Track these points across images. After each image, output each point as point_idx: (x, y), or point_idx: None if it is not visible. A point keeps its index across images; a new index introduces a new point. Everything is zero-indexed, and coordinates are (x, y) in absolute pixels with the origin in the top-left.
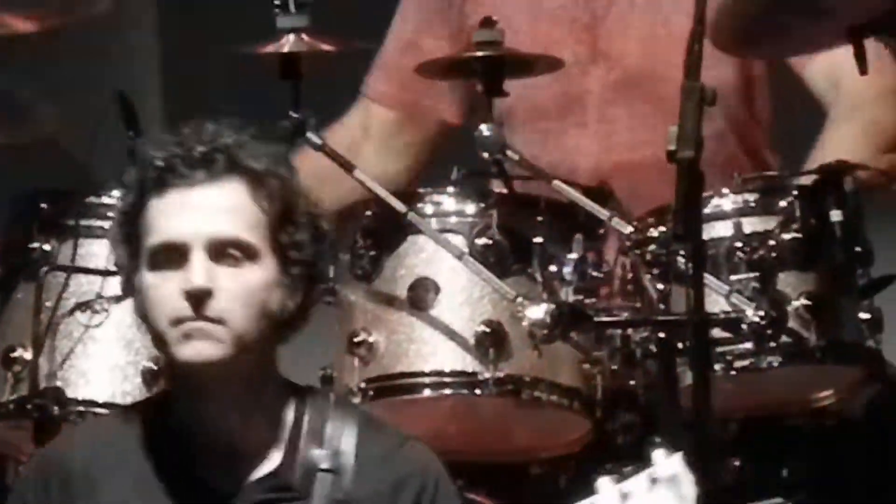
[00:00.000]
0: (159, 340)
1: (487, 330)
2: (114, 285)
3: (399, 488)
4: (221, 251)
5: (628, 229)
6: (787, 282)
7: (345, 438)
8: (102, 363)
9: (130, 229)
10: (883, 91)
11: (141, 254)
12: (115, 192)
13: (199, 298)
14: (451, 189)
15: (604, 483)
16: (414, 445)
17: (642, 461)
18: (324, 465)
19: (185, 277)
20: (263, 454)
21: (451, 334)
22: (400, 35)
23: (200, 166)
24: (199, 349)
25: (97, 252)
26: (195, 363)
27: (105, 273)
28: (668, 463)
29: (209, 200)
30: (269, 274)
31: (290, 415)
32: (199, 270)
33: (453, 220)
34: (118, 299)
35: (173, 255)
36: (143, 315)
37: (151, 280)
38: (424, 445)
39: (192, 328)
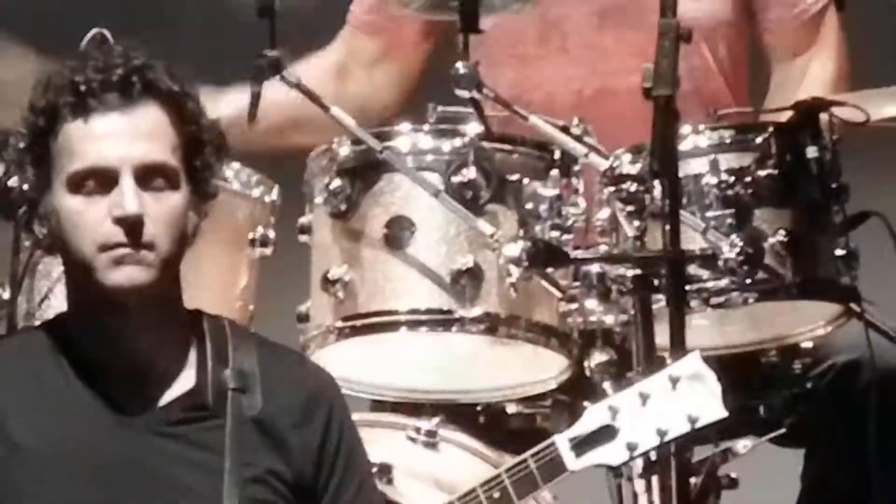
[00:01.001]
0: (81, 264)
1: (463, 268)
2: None
3: (311, 404)
4: (147, 176)
5: (604, 166)
6: (763, 218)
7: (247, 359)
8: None
9: (42, 151)
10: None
11: (55, 177)
12: None
13: (133, 225)
14: (426, 127)
15: (609, 385)
16: (313, 364)
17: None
18: (232, 385)
19: (117, 203)
20: (175, 375)
21: (427, 272)
22: None
23: (118, 90)
24: (129, 274)
25: None
26: (125, 288)
27: None
28: (685, 362)
29: (132, 125)
30: (186, 197)
31: (193, 337)
32: (131, 197)
33: (429, 157)
34: None
35: (100, 181)
36: (61, 238)
37: (74, 205)
38: (318, 364)
39: (124, 254)
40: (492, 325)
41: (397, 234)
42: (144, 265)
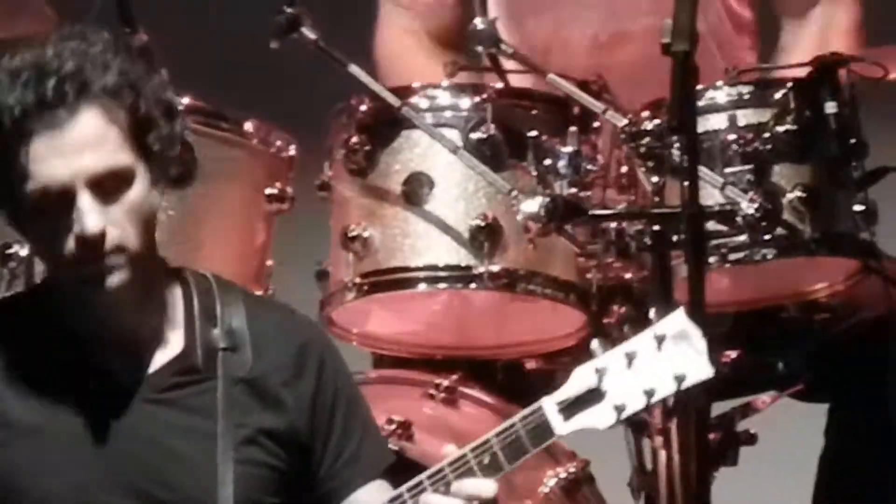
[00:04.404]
0: (59, 276)
1: (482, 224)
2: None
3: (301, 357)
4: (102, 183)
5: (623, 122)
6: (781, 174)
7: (235, 316)
8: None
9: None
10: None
11: (18, 196)
12: None
13: (95, 242)
14: (445, 83)
15: (597, 346)
16: (302, 316)
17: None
18: (222, 345)
19: (77, 221)
20: (162, 339)
21: (446, 228)
22: None
23: (56, 105)
24: (105, 284)
25: None
26: (103, 296)
27: None
28: (670, 320)
29: (75, 137)
30: (144, 182)
31: (179, 298)
32: (90, 213)
33: (448, 114)
34: None
35: (57, 199)
36: (39, 255)
37: (38, 228)
38: (306, 316)
39: (94, 269)
40: (510, 280)
41: (416, 190)
42: (116, 270)
